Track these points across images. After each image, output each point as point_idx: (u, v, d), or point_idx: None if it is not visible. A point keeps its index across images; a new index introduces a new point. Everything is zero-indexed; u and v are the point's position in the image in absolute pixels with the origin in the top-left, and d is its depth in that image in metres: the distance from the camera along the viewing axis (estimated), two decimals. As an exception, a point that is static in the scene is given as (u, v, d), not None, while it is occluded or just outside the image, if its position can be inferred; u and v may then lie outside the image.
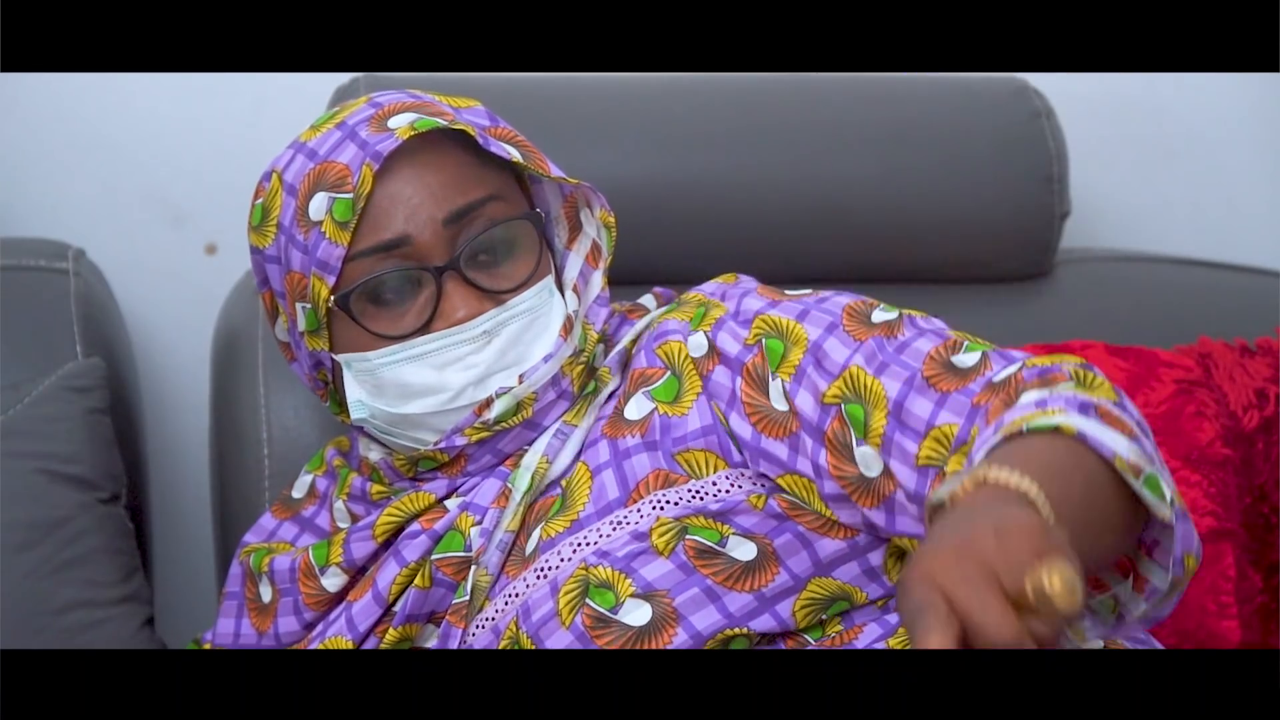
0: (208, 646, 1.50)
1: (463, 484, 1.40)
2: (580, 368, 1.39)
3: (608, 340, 1.44)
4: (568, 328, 1.39)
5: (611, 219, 1.44)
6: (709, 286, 1.44)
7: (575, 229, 1.45)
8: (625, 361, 1.42)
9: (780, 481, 1.33)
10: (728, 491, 1.34)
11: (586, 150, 1.79)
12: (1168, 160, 2.12)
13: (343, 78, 1.83)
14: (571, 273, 1.43)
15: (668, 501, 1.33)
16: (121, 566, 1.59)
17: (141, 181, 1.96)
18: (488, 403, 1.37)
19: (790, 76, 1.85)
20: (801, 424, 1.31)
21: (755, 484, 1.34)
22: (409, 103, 1.40)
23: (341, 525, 1.46)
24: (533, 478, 1.37)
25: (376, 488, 1.44)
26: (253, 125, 1.96)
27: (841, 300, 1.36)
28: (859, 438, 1.28)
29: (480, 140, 1.37)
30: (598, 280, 1.43)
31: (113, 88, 1.94)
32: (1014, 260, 1.87)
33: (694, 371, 1.36)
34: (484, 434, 1.37)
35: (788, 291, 1.40)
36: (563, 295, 1.42)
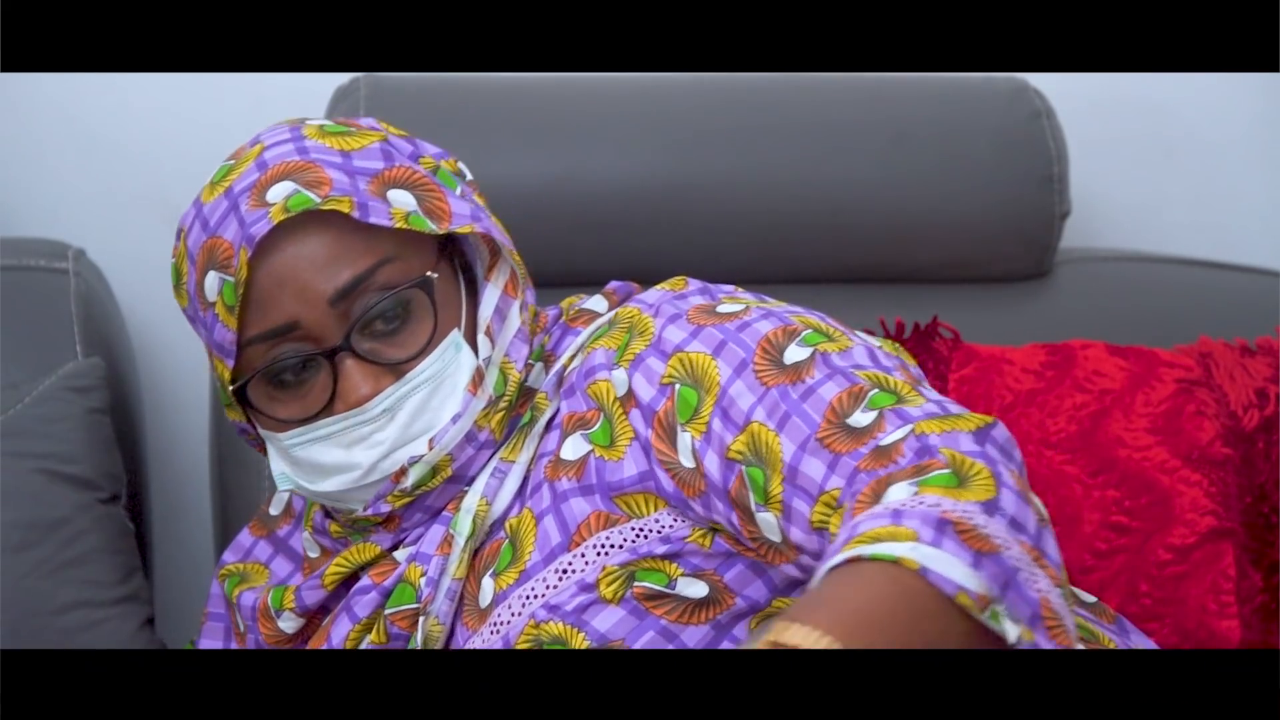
0: None
1: (405, 536, 1.38)
2: (500, 415, 1.35)
3: (548, 356, 1.40)
4: (477, 381, 1.35)
5: (517, 255, 1.39)
6: (651, 295, 1.39)
7: (497, 253, 1.40)
8: (561, 383, 1.37)
9: (699, 535, 1.30)
10: (671, 526, 1.30)
11: (586, 150, 1.79)
12: (1168, 160, 2.12)
13: (343, 78, 1.83)
14: (487, 309, 1.37)
15: (611, 545, 1.30)
16: (121, 566, 1.59)
17: (141, 181, 1.96)
18: (403, 471, 1.34)
19: (790, 76, 1.85)
20: (709, 486, 1.27)
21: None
22: (291, 164, 1.33)
23: (311, 554, 1.45)
24: (474, 521, 1.34)
25: (334, 526, 1.42)
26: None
27: (763, 329, 1.29)
28: (759, 503, 1.23)
29: (357, 214, 1.30)
30: (515, 315, 1.38)
31: (113, 88, 1.94)
32: (1014, 260, 1.87)
33: (622, 414, 1.32)
34: (406, 499, 1.35)
35: (723, 307, 1.33)
36: (475, 342, 1.36)
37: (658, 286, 1.40)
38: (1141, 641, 1.35)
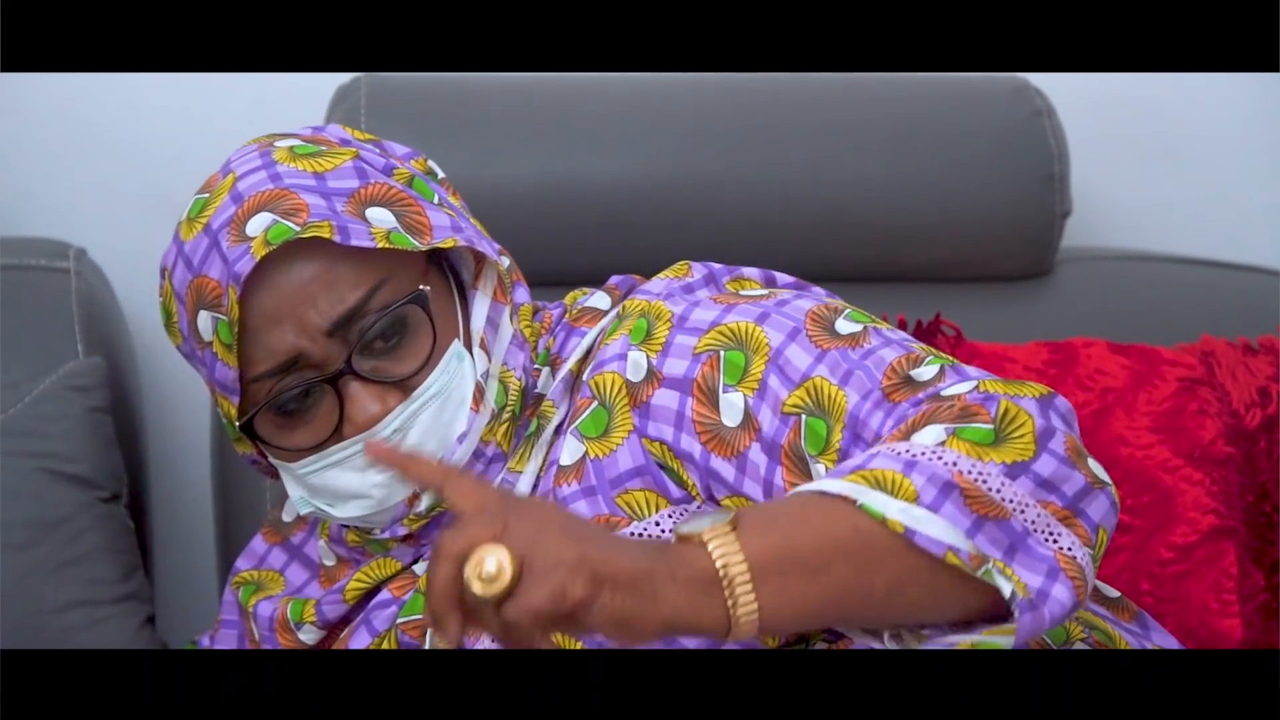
0: None
1: (424, 551, 1.37)
2: (505, 425, 1.33)
3: (554, 359, 1.37)
4: (478, 396, 1.32)
5: (501, 266, 1.36)
6: (656, 285, 1.37)
7: (481, 259, 1.38)
8: (570, 388, 1.35)
9: (727, 503, 1.28)
10: (672, 530, 1.27)
11: (587, 149, 1.79)
12: (1169, 159, 2.12)
13: (343, 78, 1.83)
14: (479, 320, 1.35)
15: None
16: (122, 565, 1.59)
17: (143, 180, 1.96)
18: (416, 496, 1.33)
19: (791, 76, 1.85)
20: (758, 439, 1.25)
21: None
22: (266, 194, 1.30)
23: (327, 563, 1.44)
24: None
25: (350, 535, 1.40)
26: (253, 124, 1.95)
27: (804, 305, 1.29)
28: (815, 453, 1.22)
29: (338, 238, 1.28)
30: (506, 323, 1.36)
31: (114, 86, 1.94)
32: (1015, 259, 1.87)
33: (626, 404, 1.29)
34: (422, 521, 1.34)
35: (743, 291, 1.34)
36: (471, 351, 1.34)
37: (660, 275, 1.38)
38: (1163, 640, 1.35)
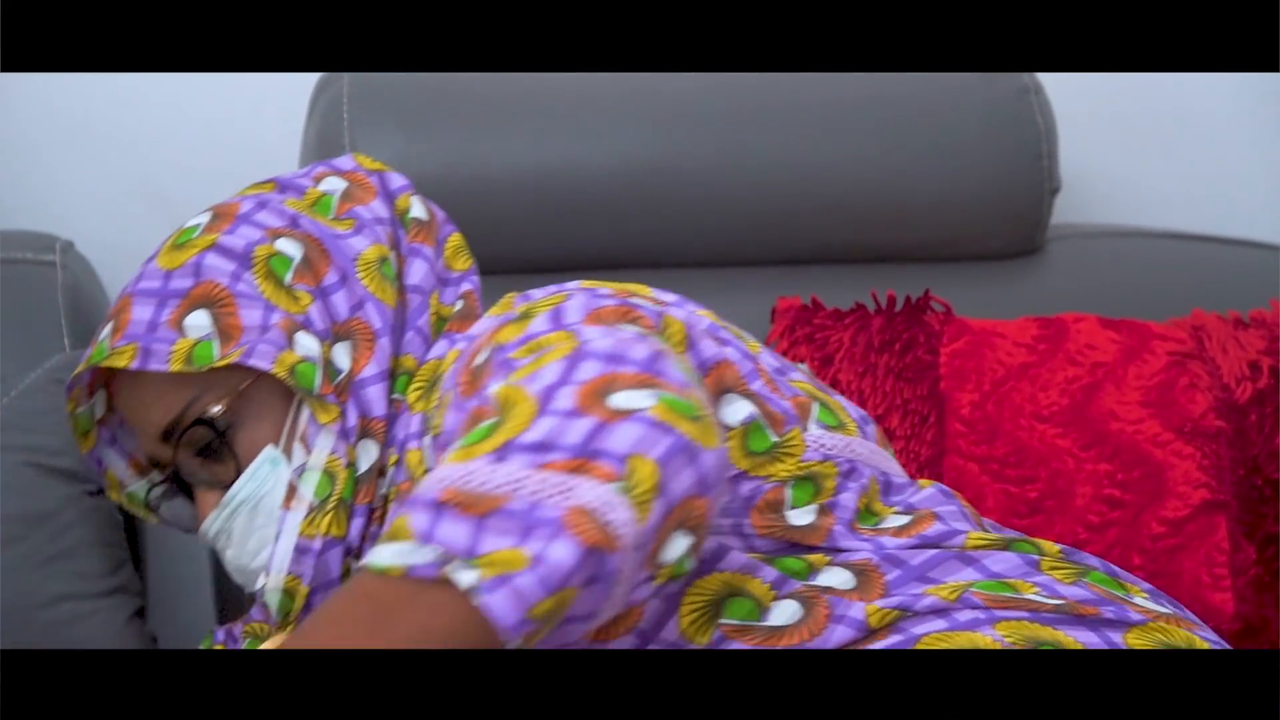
0: (219, 646, 1.48)
1: None
2: (329, 516, 1.32)
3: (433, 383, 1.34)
4: (290, 495, 1.33)
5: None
6: (479, 326, 1.33)
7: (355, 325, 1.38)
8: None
9: None
10: None
11: (576, 137, 1.79)
12: (1157, 134, 2.12)
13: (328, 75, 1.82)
14: (305, 413, 1.34)
15: None
16: (110, 558, 1.59)
17: (131, 173, 1.95)
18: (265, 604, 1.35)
19: (778, 58, 1.85)
20: None
21: None
22: (120, 302, 1.37)
23: None
24: None
25: None
26: (245, 117, 1.96)
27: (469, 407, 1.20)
28: None
29: (135, 364, 1.32)
30: (326, 436, 1.34)
31: (101, 80, 1.94)
32: (1005, 237, 1.86)
33: None
34: (290, 624, 1.34)
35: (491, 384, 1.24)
36: (291, 449, 1.34)
37: (489, 312, 1.35)
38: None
